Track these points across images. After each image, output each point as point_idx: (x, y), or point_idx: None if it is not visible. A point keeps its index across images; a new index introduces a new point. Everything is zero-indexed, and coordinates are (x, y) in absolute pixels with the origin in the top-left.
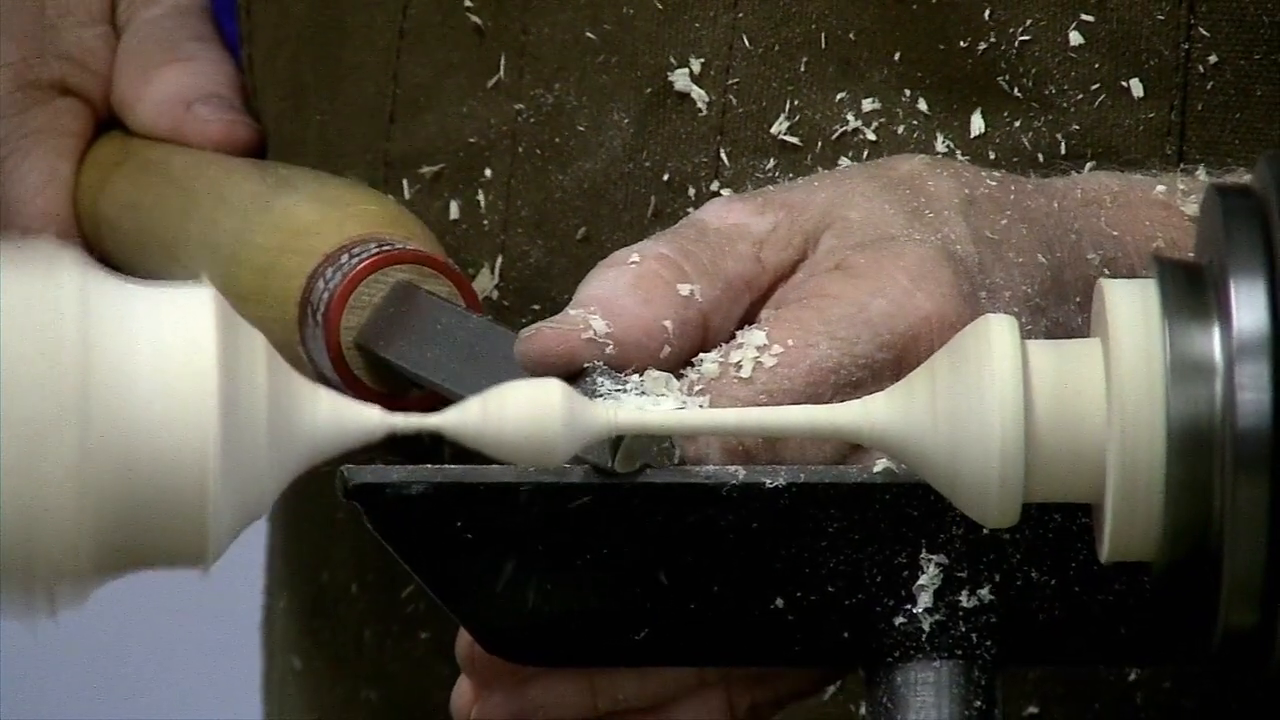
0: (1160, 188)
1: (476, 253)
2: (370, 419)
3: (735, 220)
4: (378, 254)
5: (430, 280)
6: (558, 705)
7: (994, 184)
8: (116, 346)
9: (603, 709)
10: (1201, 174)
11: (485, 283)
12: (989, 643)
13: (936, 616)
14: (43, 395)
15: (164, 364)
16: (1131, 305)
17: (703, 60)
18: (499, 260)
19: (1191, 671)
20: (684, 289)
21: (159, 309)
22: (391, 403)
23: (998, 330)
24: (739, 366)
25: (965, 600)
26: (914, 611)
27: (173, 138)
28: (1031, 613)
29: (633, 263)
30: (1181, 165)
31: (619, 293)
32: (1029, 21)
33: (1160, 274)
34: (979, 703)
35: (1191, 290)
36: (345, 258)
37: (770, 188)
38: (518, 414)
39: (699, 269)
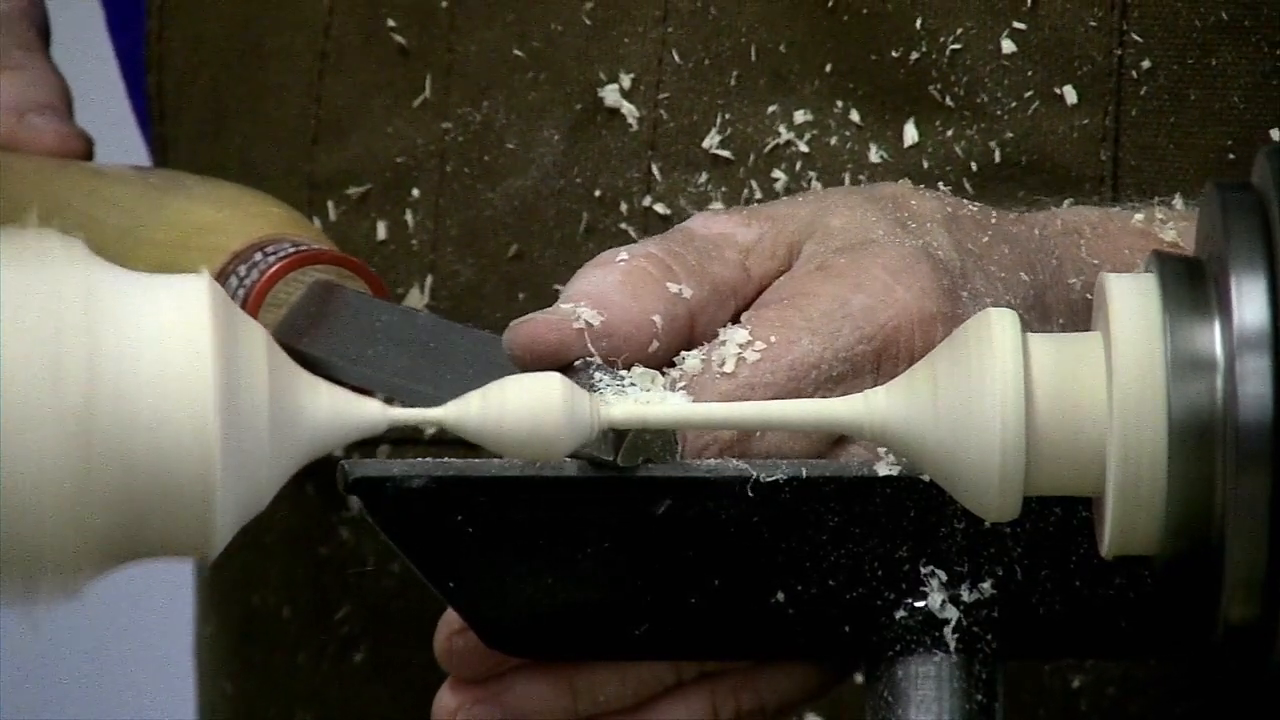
0: (1138, 217)
1: (405, 273)
2: (370, 411)
3: (721, 229)
4: (295, 253)
5: (348, 281)
6: (538, 709)
7: (975, 209)
8: (118, 336)
9: (583, 711)
10: (1179, 203)
11: (415, 302)
12: (990, 637)
13: (938, 610)
14: (44, 385)
15: (165, 354)
16: (1132, 299)
17: (632, 75)
18: (429, 279)
19: (1136, 678)
20: (673, 287)
21: (159, 299)
22: None
23: (999, 323)
24: (722, 362)
25: (966, 594)
26: (915, 605)
27: (3, 147)
28: (1032, 607)
29: (621, 261)
30: (1158, 199)
31: (608, 288)
32: (960, 30)
33: (1161, 268)
34: (980, 697)
35: (1192, 284)
36: (259, 256)
37: (754, 205)
38: (519, 408)
39: (687, 270)
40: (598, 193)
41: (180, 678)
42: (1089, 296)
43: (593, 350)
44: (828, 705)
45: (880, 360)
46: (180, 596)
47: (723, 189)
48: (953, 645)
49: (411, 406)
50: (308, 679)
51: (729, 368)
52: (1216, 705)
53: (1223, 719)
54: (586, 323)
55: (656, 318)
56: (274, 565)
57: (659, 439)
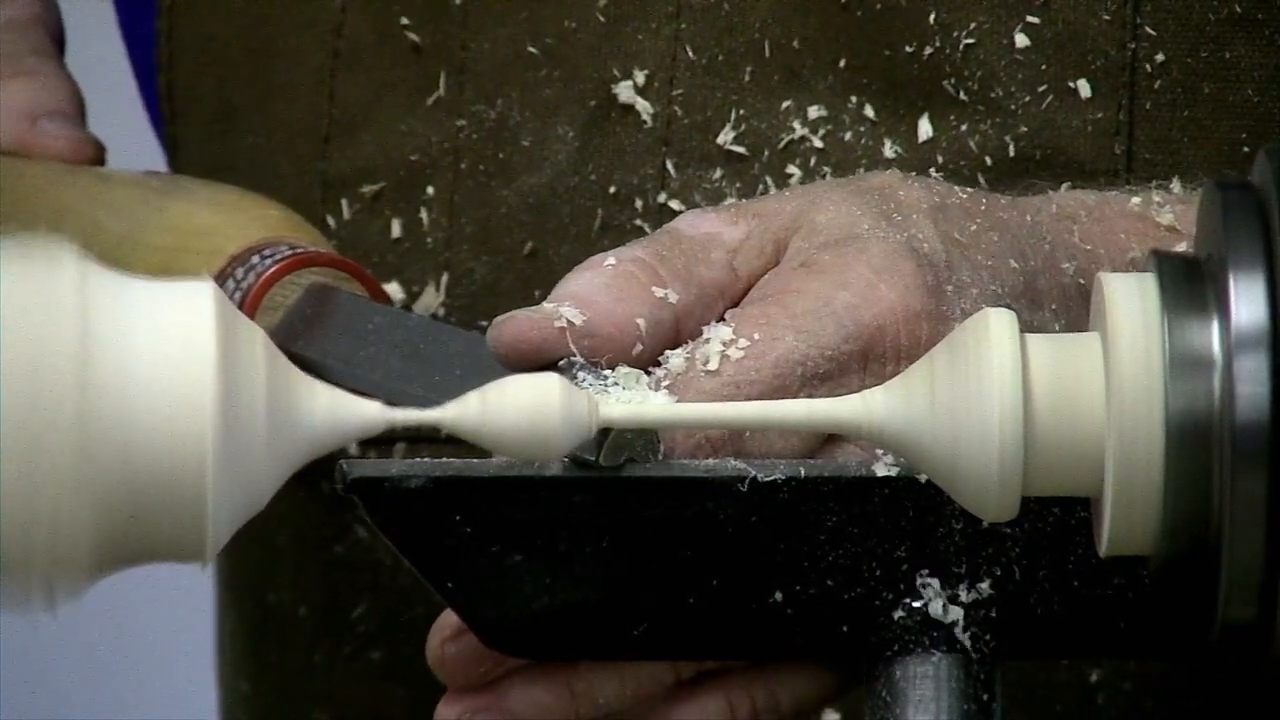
0: (1135, 200)
1: (420, 271)
2: (369, 413)
3: (709, 230)
4: (291, 256)
5: (344, 284)
6: (538, 713)
7: (965, 196)
8: (116, 340)
9: (584, 714)
10: (1176, 186)
11: (431, 300)
12: (988, 637)
13: (936, 610)
14: (42, 389)
15: (163, 358)
16: (1131, 299)
17: (646, 71)
18: (444, 277)
19: (1152, 673)
20: (658, 292)
21: (158, 303)
22: None
23: (996, 323)
24: (706, 360)
25: (964, 594)
26: (913, 605)
27: (15, 152)
28: (1030, 607)
29: (609, 265)
30: (1155, 182)
31: (594, 290)
32: (974, 25)
33: (1159, 268)
34: (978, 696)
35: (1190, 284)
36: (256, 259)
37: (743, 200)
38: (518, 408)
39: (674, 274)
40: (612, 189)
41: (202, 678)
42: (1082, 281)
43: (574, 350)
44: (845, 703)
45: (867, 359)
46: (202, 595)
47: (737, 185)
48: (951, 645)
49: (408, 408)
50: (324, 678)
51: (713, 365)
52: (1228, 702)
53: (1235, 715)
54: (569, 322)
55: (640, 321)
56: (289, 564)
57: (641, 438)
